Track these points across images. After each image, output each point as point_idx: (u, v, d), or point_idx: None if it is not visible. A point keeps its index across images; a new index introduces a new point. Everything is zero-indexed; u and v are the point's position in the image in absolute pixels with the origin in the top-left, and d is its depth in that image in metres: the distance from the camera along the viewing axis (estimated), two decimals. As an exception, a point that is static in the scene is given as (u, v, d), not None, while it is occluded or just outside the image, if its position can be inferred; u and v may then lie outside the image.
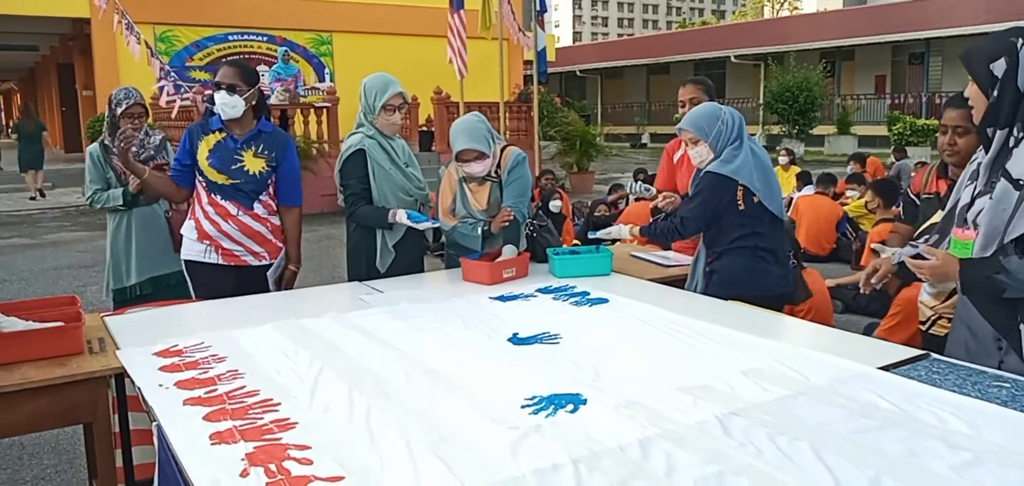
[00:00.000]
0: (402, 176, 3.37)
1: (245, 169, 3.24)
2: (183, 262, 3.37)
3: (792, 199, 9.02)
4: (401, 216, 3.26)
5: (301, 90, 13.18)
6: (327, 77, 17.36)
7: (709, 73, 31.41)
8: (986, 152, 2.13)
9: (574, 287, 3.05)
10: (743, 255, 3.10)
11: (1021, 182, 2.01)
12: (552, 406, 1.84)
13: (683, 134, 3.24)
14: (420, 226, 3.30)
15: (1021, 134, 2.04)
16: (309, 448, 1.64)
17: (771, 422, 1.73)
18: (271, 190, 3.34)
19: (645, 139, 30.43)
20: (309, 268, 7.87)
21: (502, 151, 3.46)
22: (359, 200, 3.33)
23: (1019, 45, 2.02)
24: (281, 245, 3.40)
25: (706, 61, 30.09)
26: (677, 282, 3.28)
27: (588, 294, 2.92)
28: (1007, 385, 1.94)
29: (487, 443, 1.65)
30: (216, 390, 2.01)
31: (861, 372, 2.03)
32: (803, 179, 10.19)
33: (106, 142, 3.86)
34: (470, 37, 11.26)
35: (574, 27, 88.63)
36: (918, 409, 1.79)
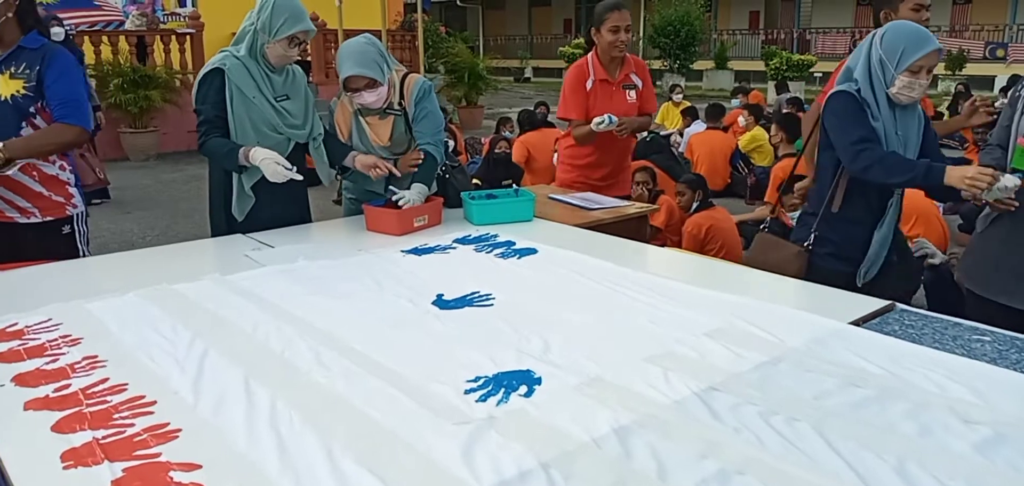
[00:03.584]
0: (271, 109, 2.82)
1: None
2: None
3: (682, 135, 9.03)
4: (257, 155, 2.70)
5: (160, 15, 11.99)
6: (189, 2, 15.93)
7: (590, 6, 31.37)
8: None
9: (496, 236, 2.72)
10: None
11: None
12: (502, 389, 1.53)
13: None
14: (278, 177, 2.69)
15: None
16: (199, 467, 1.26)
17: (759, 398, 1.49)
18: (39, 122, 2.70)
19: (528, 73, 30.12)
20: (178, 214, 7.17)
21: (403, 80, 3.05)
22: (212, 130, 2.77)
23: None
24: (63, 200, 2.80)
25: (588, -6, 30.01)
26: (600, 227, 3.02)
27: (513, 244, 2.61)
28: (987, 339, 1.79)
29: (431, 446, 1.32)
30: (70, 386, 1.57)
31: (835, 329, 1.83)
32: (690, 115, 10.21)
33: None
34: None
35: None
36: (910, 372, 1.60)
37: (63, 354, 1.73)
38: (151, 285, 2.22)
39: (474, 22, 34.26)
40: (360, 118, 3.03)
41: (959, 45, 20.43)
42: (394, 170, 2.91)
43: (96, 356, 1.71)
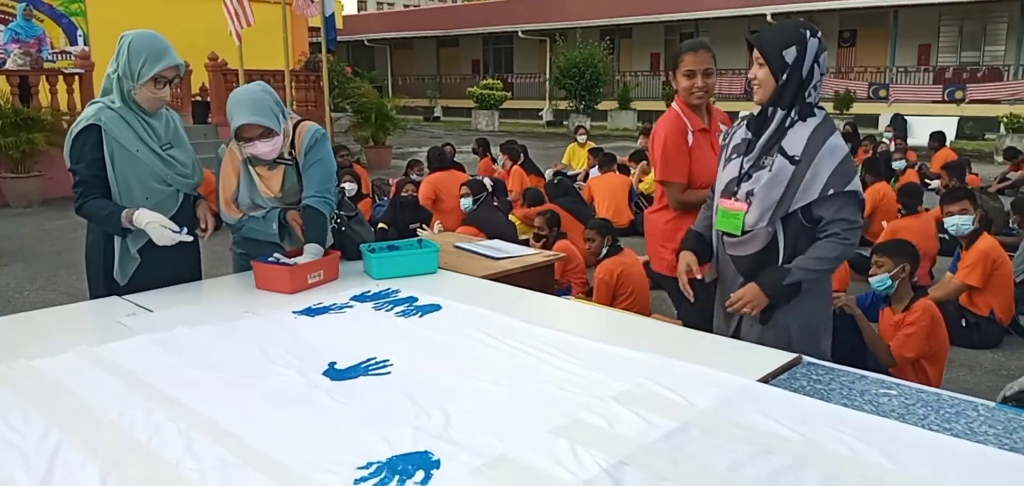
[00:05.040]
0: (158, 159, 2.64)
1: None
2: None
3: (587, 176, 9.09)
4: (142, 218, 2.52)
5: (46, 54, 11.36)
6: (80, 40, 15.17)
7: (497, 47, 31.77)
8: (762, 130, 2.30)
9: (397, 291, 2.59)
10: None
11: (796, 158, 2.21)
12: (396, 476, 1.40)
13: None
14: (166, 240, 2.54)
15: (796, 117, 2.25)
16: None
17: (671, 473, 1.41)
18: None
19: (438, 112, 30.10)
20: (61, 266, 6.67)
21: (295, 127, 2.88)
22: (90, 191, 2.57)
23: (807, 36, 2.20)
24: None
25: (494, 35, 30.28)
26: (508, 278, 2.92)
27: (416, 300, 2.48)
28: (894, 392, 1.77)
29: (313, 552, 1.18)
30: None
31: (744, 388, 1.78)
32: (596, 155, 10.30)
33: None
34: (251, -1, 10.28)
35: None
36: (821, 434, 1.55)
37: None
38: (7, 361, 1.98)
39: (382, 62, 34.06)
40: (250, 167, 2.85)
41: (845, 86, 21.61)
42: (183, 238, 2.61)
43: (-76, 456, 1.48)
